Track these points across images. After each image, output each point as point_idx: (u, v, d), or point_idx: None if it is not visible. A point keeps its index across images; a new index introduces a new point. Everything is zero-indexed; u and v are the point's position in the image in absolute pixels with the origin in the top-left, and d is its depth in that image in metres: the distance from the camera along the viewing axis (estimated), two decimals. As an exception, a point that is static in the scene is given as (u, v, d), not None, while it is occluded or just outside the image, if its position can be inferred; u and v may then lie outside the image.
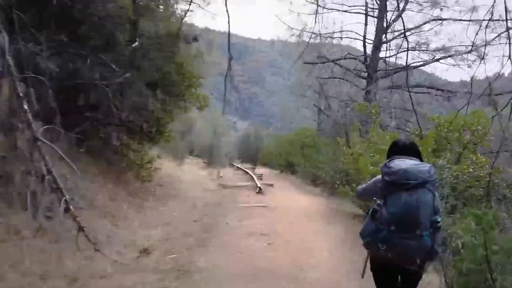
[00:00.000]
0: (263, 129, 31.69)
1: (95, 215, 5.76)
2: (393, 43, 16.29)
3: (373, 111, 8.13)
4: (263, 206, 8.67)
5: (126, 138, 7.93)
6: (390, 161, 2.31)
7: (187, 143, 30.65)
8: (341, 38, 17.73)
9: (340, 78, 17.18)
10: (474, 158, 6.06)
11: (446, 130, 6.63)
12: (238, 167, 19.20)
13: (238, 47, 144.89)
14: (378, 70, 16.45)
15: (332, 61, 17.38)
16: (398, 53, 16.14)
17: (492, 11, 3.97)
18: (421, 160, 2.41)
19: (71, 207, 4.58)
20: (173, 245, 5.19)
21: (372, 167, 6.16)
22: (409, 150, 2.43)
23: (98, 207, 6.07)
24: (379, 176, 2.38)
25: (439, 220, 2.18)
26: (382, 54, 16.34)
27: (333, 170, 11.94)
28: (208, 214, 7.53)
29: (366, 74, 16.30)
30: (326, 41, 17.91)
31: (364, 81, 16.78)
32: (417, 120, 6.96)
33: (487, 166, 6.18)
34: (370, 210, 2.32)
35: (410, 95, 9.31)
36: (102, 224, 5.54)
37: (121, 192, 7.52)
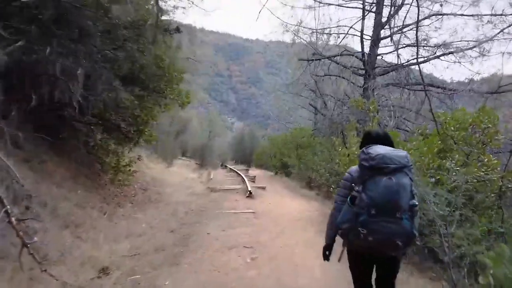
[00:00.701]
0: (258, 129, 30.88)
1: (55, 225, 5.03)
2: (390, 39, 15.72)
3: (371, 108, 7.41)
4: (251, 212, 7.95)
5: (101, 138, 7.17)
6: (367, 148, 2.29)
7: (179, 143, 29.96)
8: (337, 34, 17.08)
9: (336, 76, 16.53)
10: (486, 159, 5.33)
11: (452, 128, 5.90)
12: (231, 168, 18.44)
13: (236, 47, 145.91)
14: (376, 67, 15.87)
15: (328, 57, 16.71)
16: (397, 49, 15.76)
17: (493, 6, 3.28)
18: None
19: (13, 219, 3.85)
20: (139, 263, 4.46)
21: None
22: (383, 139, 2.48)
23: (61, 216, 5.33)
24: (348, 174, 2.44)
25: (417, 204, 2.20)
26: (380, 51, 15.79)
27: (328, 172, 11.26)
28: (188, 222, 6.79)
29: (364, 71, 15.67)
30: (322, 38, 17.32)
31: (361, 79, 16.17)
32: (435, 120, 6.16)
33: (498, 169, 5.49)
34: (348, 198, 2.29)
35: (426, 94, 8.68)
36: (60, 237, 4.80)
37: (93, 198, 6.79)
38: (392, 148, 2.36)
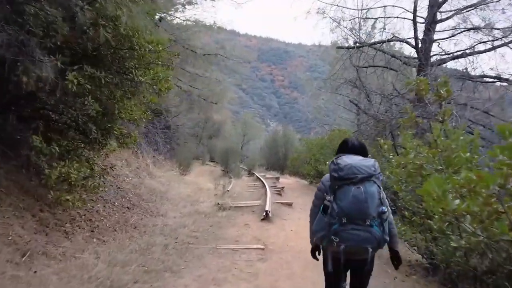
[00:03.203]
0: (296, 132, 28.09)
1: None
2: (450, 22, 12.87)
3: (442, 92, 4.66)
4: (259, 248, 5.48)
5: (40, 139, 4.95)
6: (337, 158, 2.43)
7: (208, 147, 27.99)
8: (384, 18, 14.26)
9: (383, 67, 13.71)
10: None
11: None
12: (257, 176, 16.00)
13: (278, 52, 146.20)
14: (433, 55, 12.94)
15: (373, 44, 13.89)
16: (459, 33, 12.84)
17: None
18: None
19: None
20: None
21: (458, 201, 2.82)
22: (357, 149, 2.61)
23: None
24: (321, 184, 2.58)
25: (385, 210, 2.29)
26: (436, 36, 12.88)
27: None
28: (155, 269, 4.42)
29: (417, 60, 12.78)
30: (365, 24, 14.56)
31: (413, 71, 13.29)
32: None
33: None
34: (321, 206, 2.41)
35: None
36: None
37: (26, 224, 4.65)
38: (361, 158, 2.44)
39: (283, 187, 12.79)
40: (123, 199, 7.55)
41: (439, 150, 4.46)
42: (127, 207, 7.21)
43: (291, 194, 12.05)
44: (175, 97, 20.94)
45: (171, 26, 20.95)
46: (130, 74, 5.17)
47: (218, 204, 8.56)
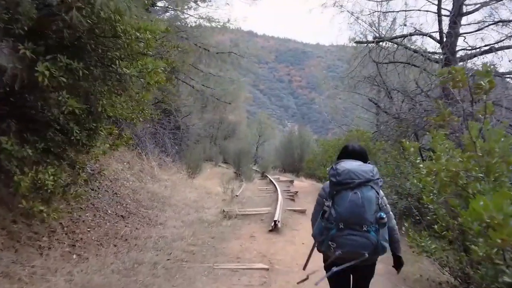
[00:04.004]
0: (308, 132, 27.11)
1: None
2: (476, 15, 11.92)
3: (483, 84, 3.76)
4: (262, 268, 4.70)
5: (12, 140, 4.30)
6: (336, 163, 2.47)
7: (222, 148, 27.31)
8: (405, 11, 13.30)
9: (405, 63, 12.74)
10: None
11: None
12: (270, 179, 15.20)
13: (296, 53, 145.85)
14: (459, 50, 11.95)
15: (393, 39, 12.94)
16: (486, 26, 11.91)
17: None
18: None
19: None
20: None
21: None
22: (357, 154, 2.64)
23: None
24: (322, 190, 2.64)
25: (383, 216, 2.28)
26: (461, 30, 11.92)
27: (396, 192, 7.72)
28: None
29: (442, 56, 11.80)
30: (386, 17, 13.60)
31: (437, 67, 12.28)
32: None
33: None
34: (321, 212, 2.42)
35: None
36: None
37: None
38: (360, 163, 2.46)
39: (296, 192, 11.97)
40: (119, 206, 6.89)
41: (478, 154, 3.63)
42: (122, 216, 6.54)
43: (305, 200, 11.21)
44: (188, 96, 20.42)
45: (183, 23, 20.46)
46: (113, 66, 4.48)
47: (224, 211, 7.81)
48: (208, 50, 20.68)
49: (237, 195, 10.21)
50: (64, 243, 4.82)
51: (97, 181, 7.32)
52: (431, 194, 4.39)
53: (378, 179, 2.35)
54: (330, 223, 2.30)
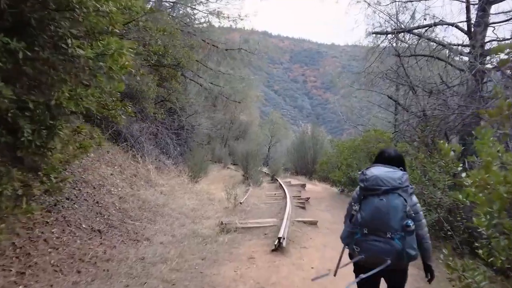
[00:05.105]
0: (321, 132, 25.76)
1: None
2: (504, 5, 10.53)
3: None
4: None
5: None
6: (367, 168, 2.47)
7: (230, 150, 26.27)
8: (427, -1, 12.12)
9: (428, 56, 11.51)
10: None
11: None
12: (280, 184, 14.08)
13: (311, 53, 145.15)
14: (488, 41, 10.71)
15: (416, 28, 11.71)
16: None
17: None
18: (404, 170, 2.49)
19: None
20: None
21: None
22: (393, 160, 2.57)
23: None
24: (354, 193, 2.55)
25: (410, 224, 2.22)
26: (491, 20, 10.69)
27: (424, 202, 6.58)
28: None
29: (470, 48, 10.58)
30: (405, 6, 12.39)
31: (465, 60, 11.04)
32: None
33: None
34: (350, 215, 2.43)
35: None
36: None
37: None
38: (390, 169, 2.40)
39: (308, 198, 10.83)
40: (98, 219, 5.89)
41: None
42: (98, 231, 5.54)
43: (317, 207, 10.09)
44: (196, 95, 19.51)
45: (192, 19, 19.66)
46: (63, 46, 3.47)
47: (222, 224, 6.76)
48: (217, 47, 19.81)
49: (241, 202, 9.15)
50: (11, 270, 3.83)
51: (76, 189, 6.42)
52: (485, 218, 3.25)
53: (407, 186, 2.33)
54: (355, 228, 2.32)
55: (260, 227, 6.87)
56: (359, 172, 2.50)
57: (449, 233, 6.49)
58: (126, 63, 3.66)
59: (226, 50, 19.83)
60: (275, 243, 5.53)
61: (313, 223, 7.68)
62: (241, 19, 20.20)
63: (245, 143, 26.30)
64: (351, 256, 2.51)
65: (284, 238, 5.68)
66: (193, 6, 19.19)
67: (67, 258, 4.48)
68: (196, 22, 19.38)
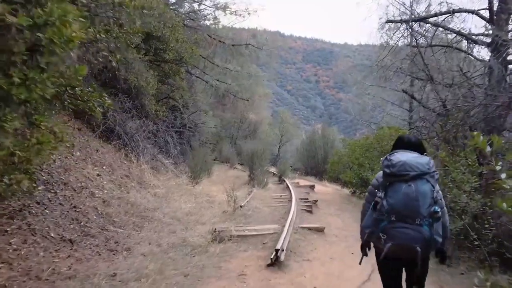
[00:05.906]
0: (332, 131, 24.81)
1: None
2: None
3: None
4: None
5: None
6: (391, 154, 2.39)
7: (236, 149, 25.55)
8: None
9: (446, 46, 10.54)
10: None
11: None
12: (287, 185, 13.26)
13: (323, 53, 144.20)
14: (509, 31, 9.74)
15: (434, 15, 10.75)
16: None
17: None
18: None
19: None
20: None
21: None
22: (413, 145, 2.51)
23: None
24: (374, 180, 2.55)
25: (438, 210, 2.19)
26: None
27: (448, 208, 5.68)
28: None
29: (492, 37, 9.60)
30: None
31: (486, 51, 10.07)
32: None
33: None
34: (373, 203, 2.36)
35: None
36: None
37: None
38: (416, 155, 2.35)
39: (315, 201, 9.99)
40: (72, 226, 5.18)
41: None
42: (69, 240, 4.82)
43: (326, 211, 9.25)
44: (202, 93, 18.85)
45: (199, 15, 19.14)
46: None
47: (215, 231, 5.98)
48: (224, 42, 19.18)
49: (241, 206, 8.36)
50: None
51: (51, 191, 5.72)
52: None
53: (434, 172, 2.25)
54: (381, 215, 2.24)
55: (259, 235, 6.07)
56: (382, 158, 2.42)
57: (475, 242, 5.63)
58: (73, 34, 2.90)
59: (233, 45, 19.16)
60: (272, 257, 4.72)
61: (320, 230, 6.85)
62: (249, 13, 19.54)
63: (254, 142, 25.59)
64: (375, 246, 2.47)
65: (283, 250, 4.87)
66: (200, 1, 18.62)
67: (20, 276, 3.76)
68: (202, 17, 18.84)
